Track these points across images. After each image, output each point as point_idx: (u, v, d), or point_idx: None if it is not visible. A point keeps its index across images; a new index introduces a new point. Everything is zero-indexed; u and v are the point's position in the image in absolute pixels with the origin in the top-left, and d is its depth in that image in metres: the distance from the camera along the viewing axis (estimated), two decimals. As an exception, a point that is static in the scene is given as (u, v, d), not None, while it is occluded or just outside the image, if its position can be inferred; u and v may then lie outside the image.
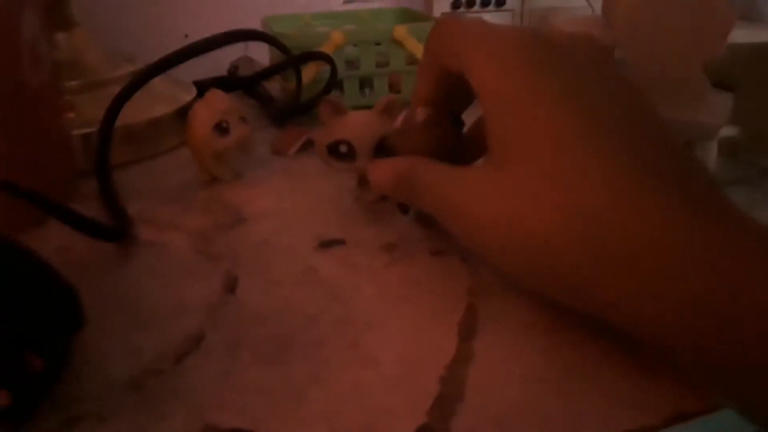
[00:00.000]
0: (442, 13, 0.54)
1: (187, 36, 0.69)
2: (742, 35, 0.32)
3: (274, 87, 0.53)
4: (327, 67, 0.45)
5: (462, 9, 0.54)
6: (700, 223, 0.17)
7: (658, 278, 0.17)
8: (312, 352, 0.22)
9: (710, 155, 0.33)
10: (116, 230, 0.29)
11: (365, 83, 0.49)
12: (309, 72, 0.46)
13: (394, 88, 0.50)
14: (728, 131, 0.36)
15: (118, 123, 0.35)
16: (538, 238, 0.20)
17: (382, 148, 0.29)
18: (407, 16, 0.55)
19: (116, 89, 0.36)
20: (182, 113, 0.43)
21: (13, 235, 0.20)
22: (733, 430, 0.20)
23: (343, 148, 0.29)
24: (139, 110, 0.40)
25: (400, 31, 0.46)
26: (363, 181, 0.32)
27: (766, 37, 0.32)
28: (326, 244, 0.30)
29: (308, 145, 0.41)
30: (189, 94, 0.46)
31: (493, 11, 0.55)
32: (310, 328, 0.23)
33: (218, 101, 0.35)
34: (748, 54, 0.36)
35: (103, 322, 0.23)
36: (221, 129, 0.35)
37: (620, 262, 0.18)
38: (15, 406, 0.19)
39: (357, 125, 0.29)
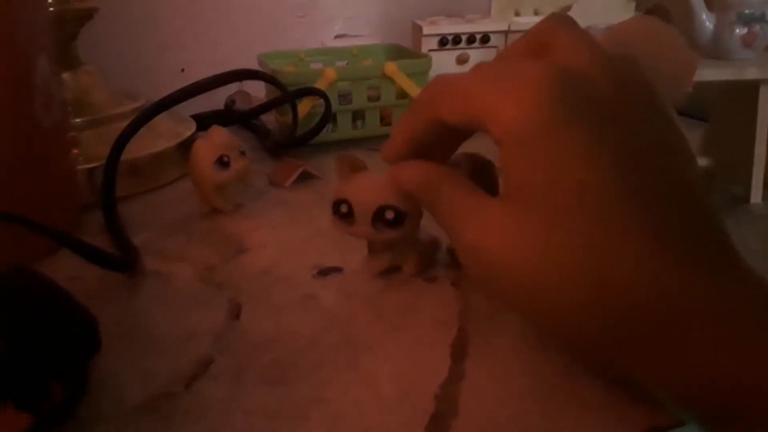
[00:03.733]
0: (430, 50, 0.57)
1: (183, 70, 0.71)
2: (708, 73, 0.34)
3: (269, 120, 0.55)
4: (321, 102, 0.47)
5: (449, 45, 0.56)
6: (726, 299, 0.18)
7: (679, 354, 0.18)
8: (313, 373, 0.24)
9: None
10: (125, 261, 0.30)
11: (357, 116, 0.51)
12: (304, 106, 0.48)
13: (385, 120, 0.52)
14: (700, 162, 0.38)
15: (122, 158, 0.37)
16: (552, 298, 0.19)
17: (382, 217, 0.27)
18: (397, 52, 0.58)
19: (119, 125, 0.38)
20: (183, 147, 0.45)
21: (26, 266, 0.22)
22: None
23: (343, 208, 0.28)
24: (142, 145, 0.42)
25: (391, 67, 0.49)
26: (371, 249, 0.31)
27: (730, 74, 0.34)
28: (324, 272, 0.31)
29: (304, 177, 0.43)
30: (189, 129, 0.48)
31: (478, 47, 0.58)
32: (311, 352, 0.25)
33: (219, 137, 0.37)
34: (718, 91, 0.39)
35: (116, 349, 0.25)
36: (222, 163, 0.37)
37: (643, 333, 0.18)
38: (36, 430, 0.20)
39: (361, 188, 0.28)
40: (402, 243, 0.30)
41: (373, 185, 0.27)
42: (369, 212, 0.27)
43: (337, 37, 0.75)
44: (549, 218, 0.19)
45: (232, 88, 0.61)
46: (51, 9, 0.41)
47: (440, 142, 0.25)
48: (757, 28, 0.35)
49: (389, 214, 0.27)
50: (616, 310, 0.18)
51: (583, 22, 0.22)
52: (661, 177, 0.20)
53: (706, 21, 0.35)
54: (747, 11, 0.34)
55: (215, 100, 0.58)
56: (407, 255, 0.31)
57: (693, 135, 0.39)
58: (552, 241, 0.19)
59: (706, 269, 0.18)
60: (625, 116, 0.20)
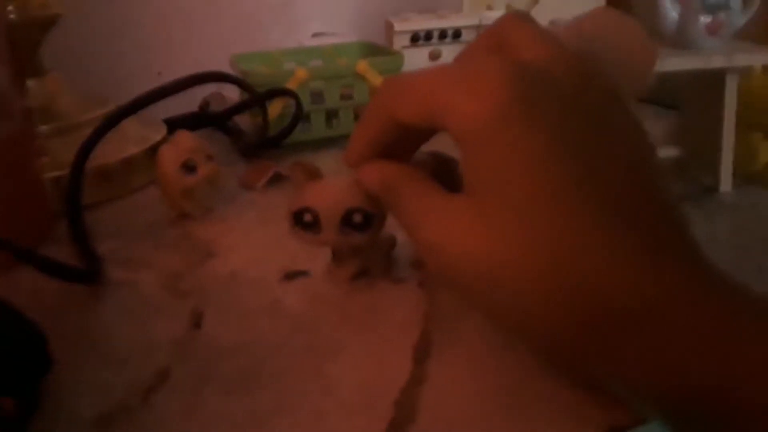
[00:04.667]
0: (402, 47, 0.56)
1: (160, 73, 0.70)
2: (673, 63, 0.34)
3: (245, 121, 0.55)
4: (293, 102, 0.47)
5: (421, 41, 0.56)
6: (694, 293, 0.18)
7: (651, 348, 0.17)
8: (275, 382, 0.23)
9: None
10: (87, 272, 0.30)
11: (332, 115, 0.51)
12: (275, 107, 0.48)
13: (359, 118, 0.51)
14: (668, 151, 0.38)
15: (90, 163, 0.36)
16: (516, 294, 0.19)
17: (350, 221, 0.26)
18: (370, 49, 0.57)
19: (89, 132, 0.37)
20: (152, 152, 0.44)
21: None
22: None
23: (307, 217, 0.27)
24: (111, 150, 0.42)
25: (363, 65, 0.48)
26: (337, 256, 0.30)
27: (696, 63, 0.34)
28: (291, 276, 0.31)
29: (276, 179, 0.43)
30: (159, 133, 0.47)
31: (450, 43, 0.57)
32: (275, 359, 0.25)
33: (184, 141, 0.37)
34: (686, 80, 0.39)
35: (74, 362, 0.24)
36: (188, 168, 0.36)
37: (615, 328, 0.18)
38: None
39: (326, 193, 0.27)
40: (368, 247, 0.29)
41: (337, 189, 0.27)
42: (336, 217, 0.26)
43: (315, 35, 0.75)
44: (511, 214, 0.19)
45: (207, 90, 0.60)
46: (11, 16, 0.40)
47: (401, 143, 0.25)
48: (722, 16, 0.34)
49: (357, 218, 0.26)
50: (586, 304, 0.18)
51: (553, 15, 0.21)
52: (625, 169, 0.19)
53: (671, 9, 0.35)
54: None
55: (191, 101, 0.57)
56: (373, 257, 0.30)
57: (662, 124, 0.38)
58: (515, 237, 0.19)
59: (674, 260, 0.18)
60: (585, 110, 0.20)
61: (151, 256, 0.33)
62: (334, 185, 0.27)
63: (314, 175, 0.28)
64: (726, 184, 0.37)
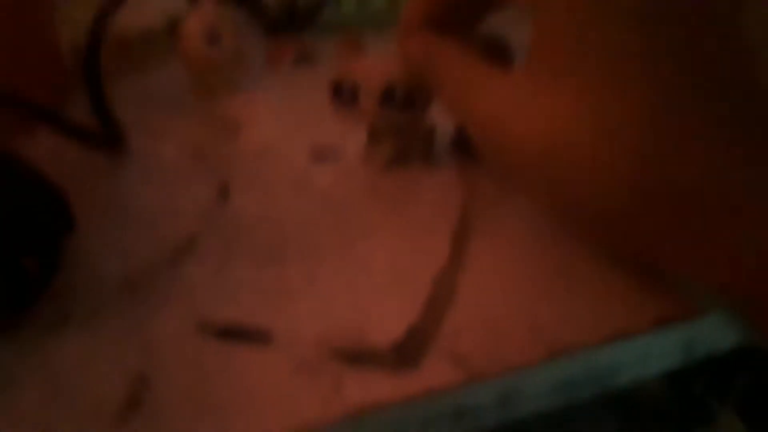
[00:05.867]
0: None
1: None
2: None
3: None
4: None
5: None
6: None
7: (726, 235, 0.16)
8: (304, 255, 0.22)
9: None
10: (109, 137, 0.29)
11: (365, -6, 0.47)
12: (305, -20, 0.44)
13: None
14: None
15: (108, 32, 0.34)
16: (585, 175, 0.17)
17: (391, 96, 0.25)
18: None
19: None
20: (175, 23, 0.42)
21: (1, 144, 0.20)
22: (716, 335, 0.21)
23: (347, 88, 0.26)
24: (131, 20, 0.39)
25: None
26: (373, 137, 0.28)
27: None
28: (321, 154, 0.29)
29: (304, 58, 0.40)
30: (181, 3, 0.44)
31: None
32: (304, 235, 0.24)
33: (209, 11, 0.34)
34: None
35: (97, 226, 0.23)
36: (213, 40, 0.34)
37: (689, 214, 0.16)
38: (12, 305, 0.19)
39: (368, 66, 0.26)
40: (408, 128, 0.27)
41: (380, 64, 0.25)
42: (377, 90, 0.25)
43: None
44: (590, 87, 0.17)
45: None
46: None
47: (459, 13, 0.23)
48: None
49: (399, 93, 0.25)
50: (662, 189, 0.16)
51: None
52: (716, 43, 0.17)
53: None
54: None
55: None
56: (413, 141, 0.28)
57: None
58: (590, 113, 0.17)
59: (759, 153, 0.16)
60: None
61: (175, 128, 0.32)
62: (377, 60, 0.26)
63: (359, 50, 0.27)
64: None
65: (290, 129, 0.32)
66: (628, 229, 0.18)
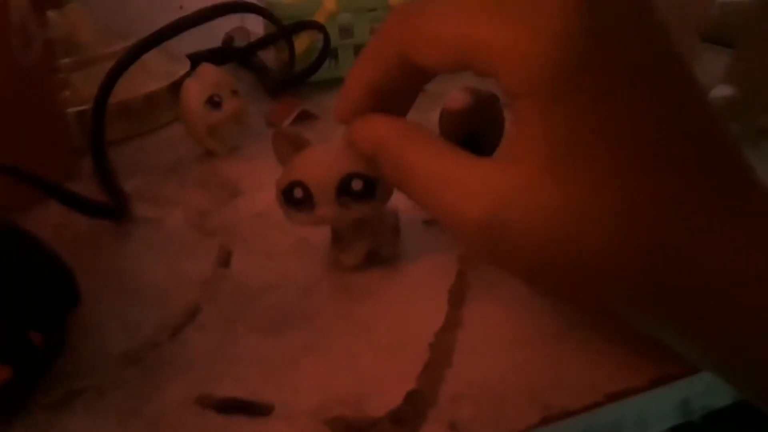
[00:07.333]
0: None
1: (182, 7, 0.68)
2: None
3: (270, 57, 0.53)
4: (321, 36, 0.45)
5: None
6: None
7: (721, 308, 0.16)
8: (306, 322, 0.23)
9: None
10: (114, 208, 0.29)
11: (360, 51, 0.49)
12: (302, 42, 0.46)
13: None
14: (722, 90, 0.35)
15: (113, 99, 0.35)
16: (585, 269, 0.16)
17: (348, 189, 0.22)
18: (402, -20, 0.54)
19: (111, 65, 0.36)
20: (176, 88, 0.43)
21: (12, 217, 0.21)
22: (713, 392, 0.21)
23: (297, 193, 0.22)
24: (134, 86, 0.41)
25: (394, -4, 0.46)
26: (338, 238, 0.25)
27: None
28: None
29: (303, 117, 0.41)
30: (183, 68, 0.46)
31: None
32: (305, 300, 0.24)
33: (209, 75, 0.35)
34: (747, 11, 0.36)
35: (100, 299, 0.24)
36: (213, 103, 0.35)
37: (689, 292, 0.16)
38: (17, 381, 0.19)
39: (316, 161, 0.22)
40: (374, 220, 0.25)
41: (329, 155, 0.22)
42: (331, 187, 0.22)
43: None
44: (594, 179, 0.15)
45: (230, 24, 0.58)
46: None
47: (403, 89, 0.20)
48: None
49: (357, 184, 0.22)
50: (667, 277, 0.15)
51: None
52: (702, 123, 0.16)
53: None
54: None
55: (213, 37, 0.55)
56: (382, 233, 0.26)
57: (718, 63, 0.36)
58: (596, 206, 0.15)
59: (749, 217, 0.16)
60: (665, 49, 0.16)
61: (176, 194, 0.33)
62: (325, 151, 0.22)
63: (301, 144, 0.23)
64: (783, 126, 0.34)
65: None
66: (628, 308, 0.17)
